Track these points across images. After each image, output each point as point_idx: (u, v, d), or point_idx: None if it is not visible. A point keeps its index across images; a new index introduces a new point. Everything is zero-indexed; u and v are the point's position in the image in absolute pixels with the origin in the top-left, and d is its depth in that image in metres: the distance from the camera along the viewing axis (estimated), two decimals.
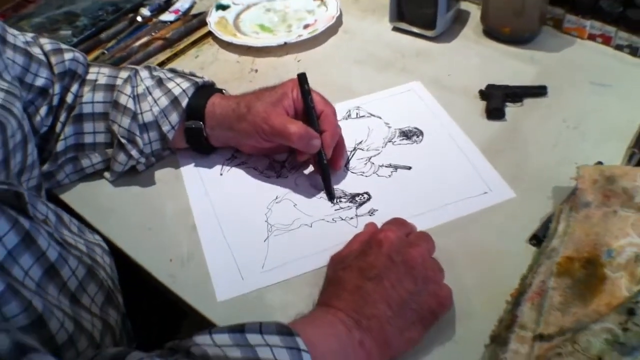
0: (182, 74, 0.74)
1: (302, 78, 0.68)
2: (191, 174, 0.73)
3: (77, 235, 0.57)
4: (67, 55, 0.69)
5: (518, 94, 0.79)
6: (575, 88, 0.81)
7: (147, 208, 0.69)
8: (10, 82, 0.56)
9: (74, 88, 0.69)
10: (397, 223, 0.58)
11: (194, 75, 0.75)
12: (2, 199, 0.44)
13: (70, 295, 0.50)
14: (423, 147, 0.73)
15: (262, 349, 0.42)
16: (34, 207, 0.50)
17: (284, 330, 0.44)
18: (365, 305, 0.50)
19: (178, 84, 0.71)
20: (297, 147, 0.67)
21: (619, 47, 0.87)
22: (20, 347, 0.33)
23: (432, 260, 0.55)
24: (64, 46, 0.71)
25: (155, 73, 0.73)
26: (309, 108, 0.68)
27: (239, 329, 0.43)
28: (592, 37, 0.89)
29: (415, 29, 0.92)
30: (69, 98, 0.69)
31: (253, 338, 0.42)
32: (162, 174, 0.73)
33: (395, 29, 0.95)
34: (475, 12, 0.95)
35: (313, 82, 0.69)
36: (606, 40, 0.88)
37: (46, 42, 0.69)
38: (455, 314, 0.56)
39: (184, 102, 0.70)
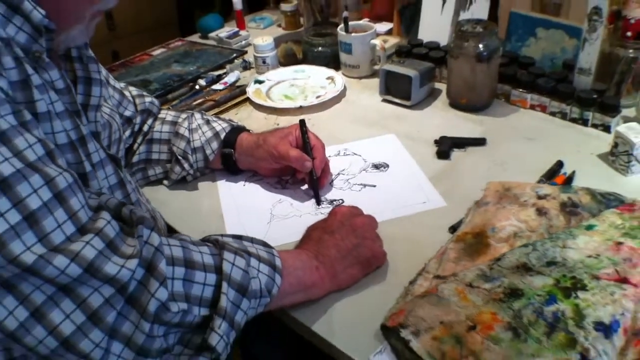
0: (223, 119, 1.07)
1: (302, 123, 1.00)
2: (223, 184, 1.03)
3: (147, 201, 0.87)
4: (147, 99, 1.03)
5: (462, 142, 1.08)
6: (509, 141, 1.09)
7: (190, 203, 1.00)
8: (111, 105, 0.89)
9: (149, 121, 1.03)
10: (352, 206, 0.86)
11: (231, 120, 1.08)
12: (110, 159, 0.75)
13: None
14: (387, 174, 1.02)
15: (250, 248, 0.70)
16: (125, 173, 0.81)
17: (266, 244, 0.73)
18: (322, 248, 0.78)
19: (220, 124, 1.03)
20: (295, 166, 0.96)
21: (552, 113, 1.16)
22: (122, 204, 0.63)
23: (371, 229, 0.82)
24: (145, 93, 1.05)
25: (205, 116, 1.05)
26: (305, 142, 0.98)
27: (237, 237, 0.72)
28: (532, 107, 1.18)
29: (397, 100, 1.24)
30: (145, 127, 1.02)
31: (246, 243, 0.71)
32: (203, 184, 1.04)
33: (384, 100, 1.27)
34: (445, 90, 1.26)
35: (318, 132, 1.02)
36: (543, 109, 1.17)
37: (133, 89, 1.04)
38: (388, 268, 0.82)
39: (222, 136, 1.02)
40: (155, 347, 0.58)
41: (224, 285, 0.63)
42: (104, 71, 0.93)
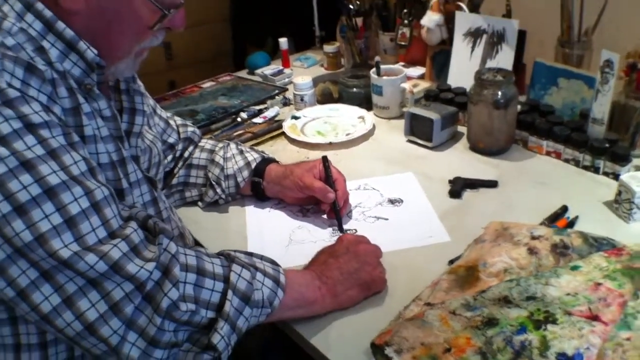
0: (255, 150, 1.18)
1: (324, 158, 1.10)
2: (251, 209, 1.14)
3: (178, 219, 0.99)
4: (189, 129, 1.17)
5: (475, 184, 1.15)
6: (520, 184, 1.15)
7: (220, 224, 1.11)
8: (155, 133, 1.03)
9: (190, 149, 1.16)
10: (358, 235, 0.95)
11: (263, 152, 1.19)
12: (147, 180, 0.88)
13: None
14: (400, 209, 1.11)
15: (259, 264, 0.80)
16: (160, 193, 0.93)
17: (274, 262, 0.83)
18: (326, 270, 0.87)
19: (252, 155, 1.15)
20: (318, 196, 1.06)
21: (566, 160, 1.22)
22: (148, 216, 0.75)
23: (374, 256, 0.90)
24: (188, 123, 1.19)
25: (239, 146, 1.17)
26: (327, 176, 1.08)
27: (249, 253, 0.82)
28: (548, 153, 1.24)
29: (420, 141, 1.33)
30: (186, 154, 1.15)
31: (255, 259, 0.81)
32: (233, 208, 1.15)
33: (408, 140, 1.36)
34: None
35: (344, 167, 1.12)
36: (557, 155, 1.23)
37: (178, 119, 1.17)
38: (387, 293, 0.90)
39: (253, 165, 1.13)
40: (164, 339, 0.68)
41: (229, 293, 0.73)
42: (151, 102, 1.07)
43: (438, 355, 0.73)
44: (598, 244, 0.91)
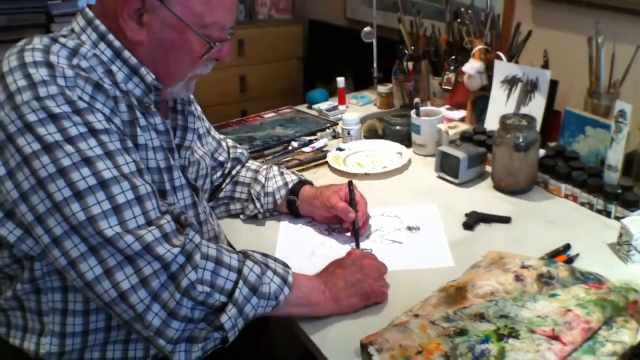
0: (295, 173, 1.35)
1: (349, 183, 1.25)
2: (285, 224, 1.30)
3: (216, 224, 1.16)
4: (238, 150, 1.35)
5: (488, 218, 1.25)
6: (533, 222, 1.24)
7: (256, 234, 1.28)
8: (206, 150, 1.21)
9: (238, 167, 1.34)
10: (366, 252, 1.08)
11: (301, 175, 1.35)
12: (190, 187, 1.06)
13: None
14: (416, 235, 1.23)
15: (271, 264, 0.95)
16: (202, 199, 1.11)
17: (285, 264, 0.97)
18: (332, 278, 1.01)
19: (290, 176, 1.31)
20: (341, 215, 1.20)
21: (582, 203, 1.29)
22: (182, 212, 0.92)
23: (377, 270, 1.03)
24: (238, 145, 1.37)
25: (280, 169, 1.34)
26: (351, 198, 1.22)
27: (265, 254, 0.97)
28: (566, 196, 1.32)
29: (448, 177, 1.44)
30: (234, 172, 1.33)
31: (269, 260, 0.96)
32: (269, 222, 1.32)
33: (438, 176, 1.47)
34: None
35: (374, 196, 1.29)
36: (574, 199, 1.31)
37: (229, 141, 1.36)
38: (387, 305, 1.02)
39: (290, 186, 1.29)
40: (182, 313, 0.84)
41: (240, 282, 0.88)
42: (207, 124, 1.27)
43: (411, 356, 0.85)
44: (584, 278, 0.99)
